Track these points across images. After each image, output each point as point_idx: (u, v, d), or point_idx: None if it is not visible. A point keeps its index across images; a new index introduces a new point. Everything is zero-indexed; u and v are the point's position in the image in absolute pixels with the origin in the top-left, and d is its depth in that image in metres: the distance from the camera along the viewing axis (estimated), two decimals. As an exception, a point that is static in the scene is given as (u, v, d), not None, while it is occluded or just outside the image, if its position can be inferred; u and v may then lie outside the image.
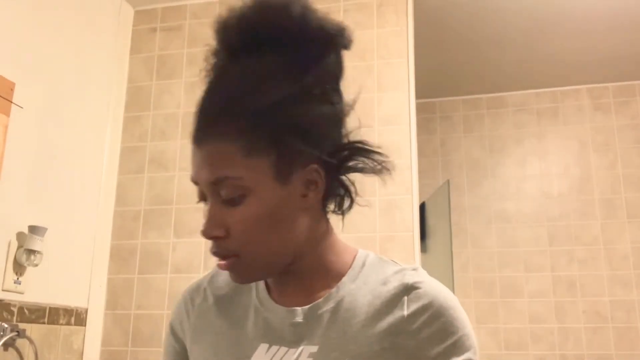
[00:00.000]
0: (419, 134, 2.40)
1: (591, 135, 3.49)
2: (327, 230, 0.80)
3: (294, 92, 0.72)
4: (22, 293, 1.98)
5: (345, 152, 0.77)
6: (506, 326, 3.35)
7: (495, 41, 3.05)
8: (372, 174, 0.78)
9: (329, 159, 0.74)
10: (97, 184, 2.42)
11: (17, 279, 1.96)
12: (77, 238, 2.29)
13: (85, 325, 2.29)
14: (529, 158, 3.56)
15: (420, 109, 2.58)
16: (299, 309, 0.77)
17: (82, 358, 2.26)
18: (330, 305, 0.77)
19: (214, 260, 0.78)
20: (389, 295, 0.75)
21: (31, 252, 1.96)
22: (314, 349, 0.74)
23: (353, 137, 0.78)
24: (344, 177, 0.79)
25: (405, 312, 0.74)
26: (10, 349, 1.90)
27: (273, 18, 0.73)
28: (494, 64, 3.33)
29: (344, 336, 0.74)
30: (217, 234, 0.73)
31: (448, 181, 3.50)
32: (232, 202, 0.72)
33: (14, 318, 1.94)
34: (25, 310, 1.99)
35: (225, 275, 0.86)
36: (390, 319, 0.74)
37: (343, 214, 0.80)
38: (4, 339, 1.85)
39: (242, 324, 0.80)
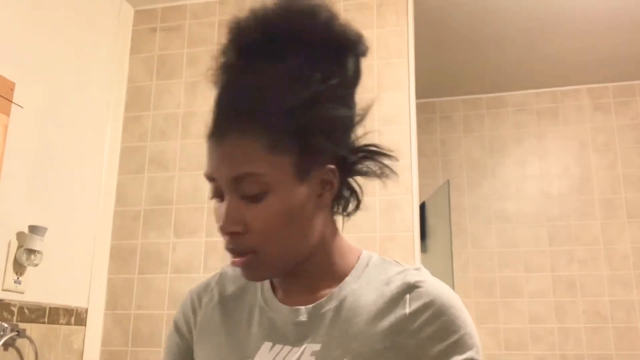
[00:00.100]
0: (419, 134, 2.40)
1: (591, 135, 3.49)
2: (335, 231, 0.82)
3: (320, 93, 0.73)
4: (22, 293, 1.98)
5: (359, 155, 0.79)
6: (506, 326, 3.35)
7: (495, 41, 3.05)
8: (374, 178, 0.80)
9: (348, 158, 0.77)
10: (97, 184, 2.42)
11: (17, 278, 1.96)
12: (77, 238, 2.29)
13: (85, 325, 2.29)
14: (529, 158, 3.56)
15: (420, 109, 2.58)
16: (302, 307, 0.78)
17: (82, 358, 2.26)
18: (333, 304, 0.77)
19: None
20: (391, 295, 0.76)
21: (31, 252, 1.96)
22: (316, 347, 0.74)
23: (364, 140, 0.80)
24: (350, 180, 0.81)
25: (407, 310, 0.74)
26: (10, 349, 1.90)
27: (300, 22, 0.75)
28: (494, 64, 3.33)
29: (346, 335, 0.74)
30: (235, 229, 0.73)
31: (448, 181, 3.50)
32: (253, 198, 0.72)
33: (14, 318, 1.94)
34: (25, 310, 1.99)
35: (232, 275, 0.87)
36: (392, 318, 0.74)
37: (348, 215, 0.82)
38: (4, 338, 1.85)
39: (247, 323, 0.81)
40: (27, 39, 2.09)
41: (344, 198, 0.81)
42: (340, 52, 0.77)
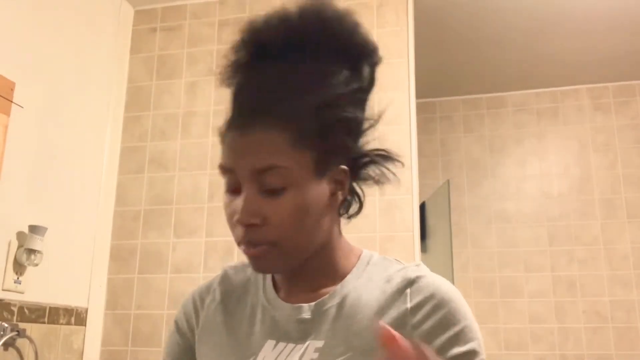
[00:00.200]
0: (419, 134, 2.40)
1: (591, 135, 3.50)
2: (340, 231, 0.84)
3: (343, 95, 0.76)
4: (22, 293, 1.98)
5: (369, 159, 0.81)
6: (506, 326, 3.35)
7: (495, 41, 3.06)
8: (373, 184, 0.83)
9: (358, 161, 0.80)
10: (97, 184, 2.42)
11: (17, 278, 1.96)
12: (77, 238, 2.30)
13: (85, 325, 2.29)
14: (529, 158, 3.57)
15: (420, 109, 2.58)
16: (305, 305, 0.79)
17: (82, 358, 2.26)
18: (335, 301, 0.78)
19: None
20: (392, 291, 0.77)
21: (31, 251, 1.96)
22: (319, 343, 0.75)
23: (371, 145, 0.83)
24: (354, 184, 0.83)
25: (409, 305, 0.75)
26: (11, 349, 1.90)
27: (330, 27, 0.78)
28: (494, 64, 3.33)
29: (348, 331, 0.75)
30: (254, 221, 0.73)
31: (448, 181, 3.50)
32: (272, 191, 0.73)
33: (14, 318, 1.94)
34: (26, 310, 1.99)
35: (234, 276, 0.88)
36: (393, 313, 0.75)
37: (349, 218, 0.84)
38: (4, 338, 1.85)
39: (249, 322, 0.82)
40: (27, 39, 2.09)
41: (346, 200, 0.82)
42: (360, 59, 0.80)
